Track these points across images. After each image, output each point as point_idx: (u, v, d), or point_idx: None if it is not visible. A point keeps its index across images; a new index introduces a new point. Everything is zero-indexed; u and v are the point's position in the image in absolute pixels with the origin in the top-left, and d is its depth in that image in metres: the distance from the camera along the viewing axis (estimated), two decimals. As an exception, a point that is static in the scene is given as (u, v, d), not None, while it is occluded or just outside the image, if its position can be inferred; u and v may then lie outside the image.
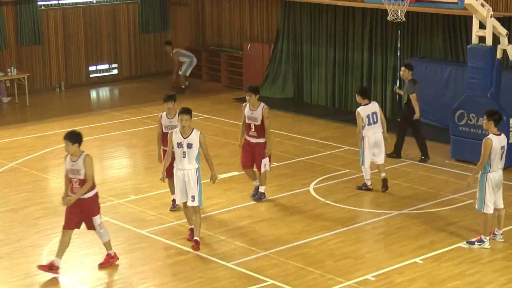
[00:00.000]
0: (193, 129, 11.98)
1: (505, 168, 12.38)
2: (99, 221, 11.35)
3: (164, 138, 13.34)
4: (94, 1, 24.57)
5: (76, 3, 24.18)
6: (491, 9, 15.62)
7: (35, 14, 23.09)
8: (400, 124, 16.80)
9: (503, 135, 12.15)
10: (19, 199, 14.70)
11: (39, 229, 13.08)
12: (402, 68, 16.83)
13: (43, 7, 23.49)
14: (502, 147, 12.07)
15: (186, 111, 11.89)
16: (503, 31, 15.79)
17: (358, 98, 14.77)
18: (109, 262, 11.57)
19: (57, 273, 11.22)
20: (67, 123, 20.00)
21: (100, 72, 24.90)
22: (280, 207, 14.12)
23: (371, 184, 14.82)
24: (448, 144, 16.86)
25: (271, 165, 14.25)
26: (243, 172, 14.59)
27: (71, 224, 11.23)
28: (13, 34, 22.96)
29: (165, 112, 13.49)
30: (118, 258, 11.69)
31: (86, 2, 24.39)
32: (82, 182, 11.04)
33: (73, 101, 22.91)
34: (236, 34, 24.53)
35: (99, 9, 24.55)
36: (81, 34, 24.22)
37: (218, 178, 12.61)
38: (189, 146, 11.90)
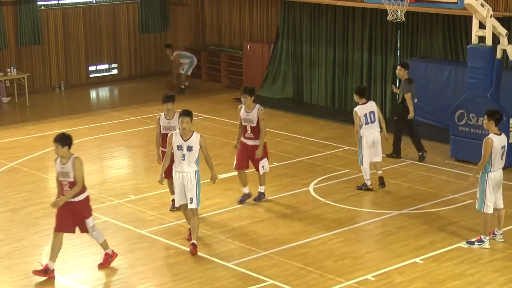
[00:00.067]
0: (193, 131, 11.91)
1: (505, 168, 12.37)
2: (92, 223, 11.31)
3: (162, 139, 13.31)
4: (94, 1, 24.57)
5: (76, 3, 24.19)
6: (491, 9, 15.62)
7: (35, 14, 23.09)
8: (396, 123, 16.84)
9: (503, 135, 12.15)
10: (19, 199, 14.70)
11: (39, 229, 13.07)
12: (398, 67, 16.85)
13: (43, 7, 23.50)
14: (503, 147, 12.08)
15: (187, 113, 11.80)
16: (503, 31, 15.79)
17: (356, 98, 14.80)
18: (108, 261, 11.57)
19: (53, 276, 11.21)
20: (67, 123, 20.02)
21: (100, 72, 24.90)
22: (280, 207, 14.12)
23: (370, 184, 14.82)
24: (448, 144, 16.86)
25: (268, 166, 14.20)
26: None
27: (62, 227, 11.19)
28: (13, 34, 22.96)
29: (163, 113, 13.45)
30: (116, 255, 11.69)
31: (86, 2, 24.39)
32: (72, 185, 11.00)
33: (73, 101, 22.92)
34: (236, 34, 24.53)
35: (99, 9, 24.55)
36: (81, 34, 24.23)
37: (218, 178, 12.59)
38: (189, 148, 11.84)
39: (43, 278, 11.16)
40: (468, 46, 16.28)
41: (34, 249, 12.32)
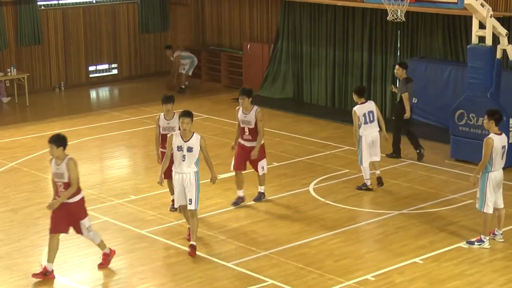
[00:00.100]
0: (193, 132, 11.87)
1: (505, 168, 12.37)
2: (88, 224, 11.26)
3: (162, 139, 13.29)
4: (94, 1, 24.57)
5: (76, 3, 24.19)
6: (491, 9, 15.62)
7: (35, 14, 23.09)
8: (394, 122, 16.85)
9: (504, 135, 12.16)
10: (19, 199, 14.70)
11: (39, 229, 13.06)
12: (396, 66, 16.86)
13: (43, 7, 23.50)
14: (503, 147, 12.08)
15: (188, 114, 11.76)
16: (503, 31, 15.79)
17: (355, 97, 14.82)
18: (108, 261, 11.57)
19: (53, 276, 11.21)
20: (67, 123, 20.02)
21: (100, 72, 24.90)
22: (280, 207, 14.11)
23: (370, 184, 14.82)
24: (448, 144, 16.86)
25: (267, 166, 14.18)
26: (243, 172, 14.50)
27: (57, 228, 11.16)
28: (13, 34, 22.96)
29: (163, 114, 13.44)
30: (114, 251, 11.68)
31: (86, 2, 24.39)
32: (67, 186, 10.97)
33: (73, 101, 22.92)
34: (236, 34, 24.53)
35: (99, 9, 24.55)
36: (81, 34, 24.23)
37: (218, 178, 12.58)
38: (189, 149, 11.80)
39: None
40: (468, 46, 16.28)
41: (34, 249, 12.32)
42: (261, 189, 14.34)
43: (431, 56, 19.41)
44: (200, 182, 12.07)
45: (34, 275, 11.15)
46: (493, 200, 12.11)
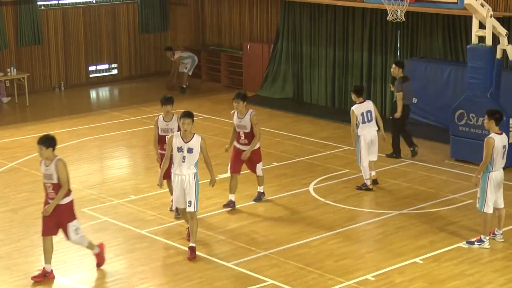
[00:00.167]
0: (194, 134, 11.83)
1: (505, 168, 12.37)
2: (76, 226, 11.14)
3: (160, 141, 13.25)
4: (94, 1, 24.57)
5: (76, 3, 24.18)
6: (490, 9, 15.62)
7: (35, 14, 23.09)
8: (393, 122, 16.86)
9: (504, 134, 12.16)
10: (19, 199, 14.70)
11: (39, 229, 12.91)
12: (393, 65, 16.86)
13: (43, 7, 23.50)
14: (504, 146, 12.09)
15: (189, 115, 11.68)
16: (503, 31, 15.79)
17: (353, 96, 14.86)
18: (102, 258, 11.53)
19: (53, 277, 11.20)
20: (67, 123, 20.01)
21: (100, 72, 24.90)
22: (280, 207, 14.11)
23: (370, 184, 14.83)
24: (448, 144, 16.86)
25: (262, 168, 14.11)
26: (242, 172, 14.49)
27: (47, 231, 11.13)
28: (13, 34, 22.95)
29: (162, 115, 13.38)
30: (103, 244, 11.58)
31: (86, 2, 24.39)
32: (56, 187, 10.90)
33: (73, 101, 22.91)
34: (236, 34, 24.53)
35: (99, 9, 24.55)
36: (81, 34, 24.23)
37: (218, 178, 12.57)
38: (190, 151, 11.74)
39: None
40: (468, 46, 16.28)
41: (34, 249, 12.31)
42: (260, 189, 14.33)
43: (431, 56, 19.41)
44: (200, 182, 12.05)
45: (34, 278, 11.12)
46: (494, 200, 12.11)
